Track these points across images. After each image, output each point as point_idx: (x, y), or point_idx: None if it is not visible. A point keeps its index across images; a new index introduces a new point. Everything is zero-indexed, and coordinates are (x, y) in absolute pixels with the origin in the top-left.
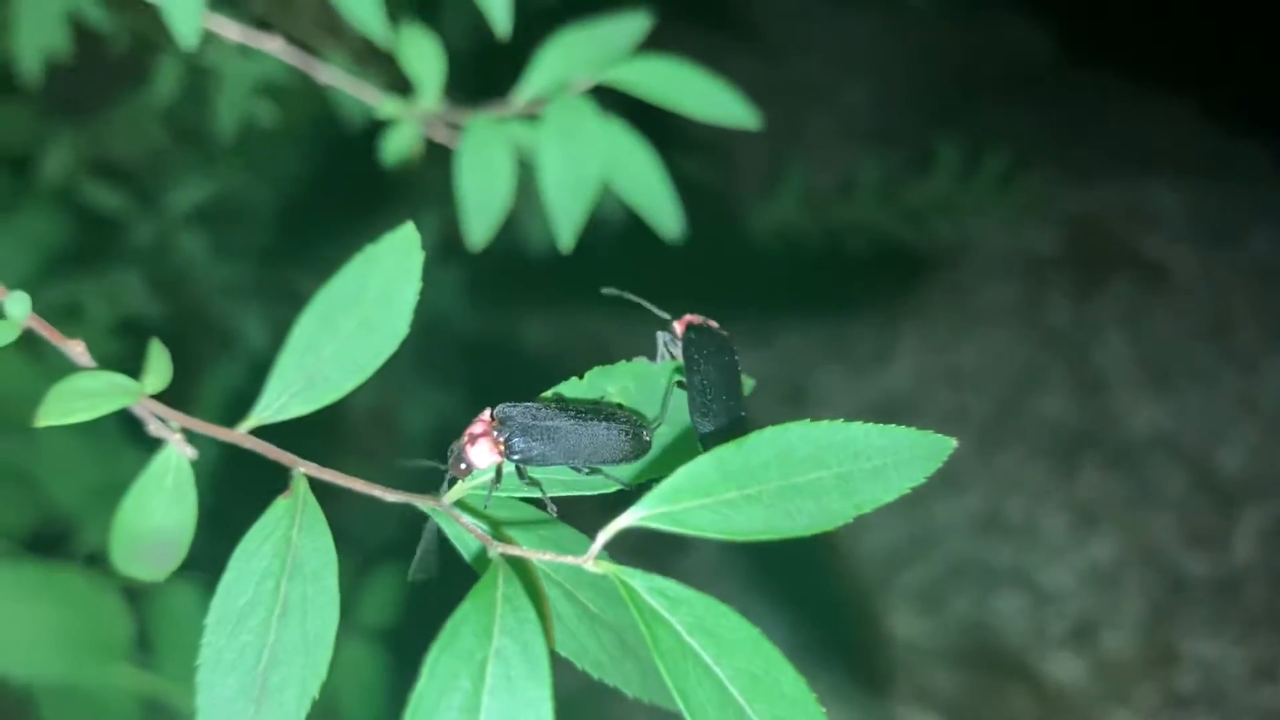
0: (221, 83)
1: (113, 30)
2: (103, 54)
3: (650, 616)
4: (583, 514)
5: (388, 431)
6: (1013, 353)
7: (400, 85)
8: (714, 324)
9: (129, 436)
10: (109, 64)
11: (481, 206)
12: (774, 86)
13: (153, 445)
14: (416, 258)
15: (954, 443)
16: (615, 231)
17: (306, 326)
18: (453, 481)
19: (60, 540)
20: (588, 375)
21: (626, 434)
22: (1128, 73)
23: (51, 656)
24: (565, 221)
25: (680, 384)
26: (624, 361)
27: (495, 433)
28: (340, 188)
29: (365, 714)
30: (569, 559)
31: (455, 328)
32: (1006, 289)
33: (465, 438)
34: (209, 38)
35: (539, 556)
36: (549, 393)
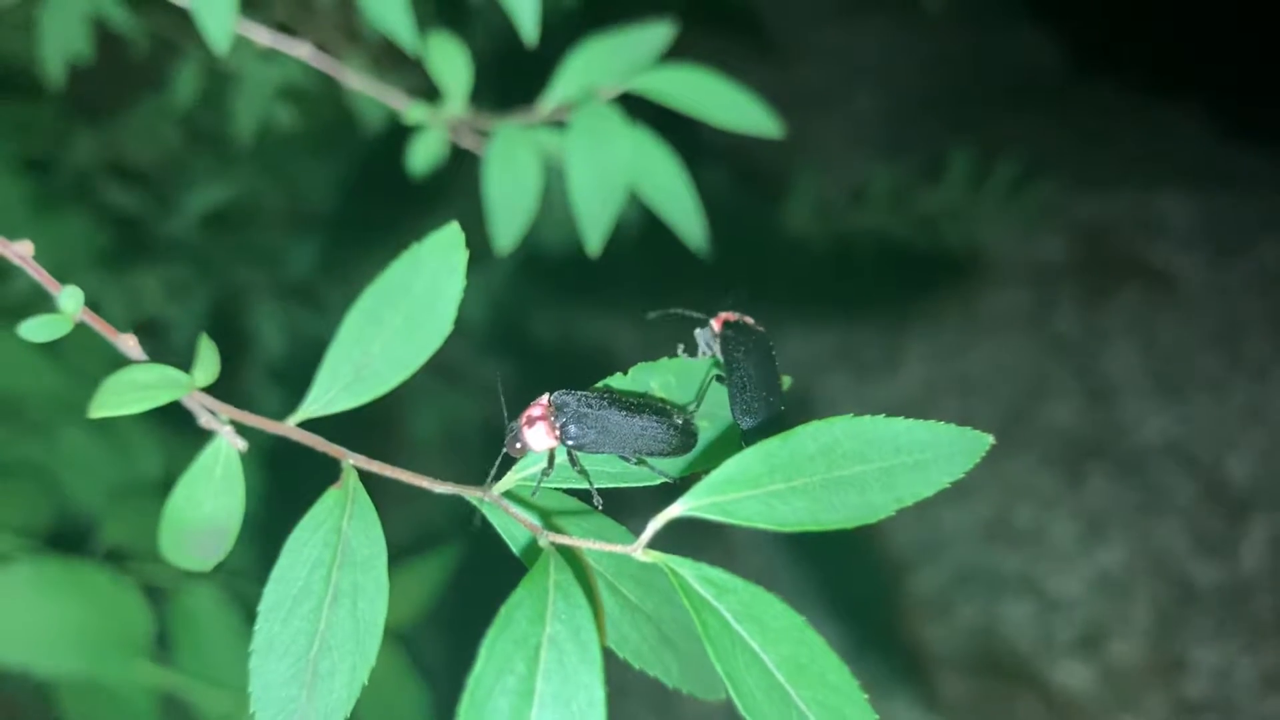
0: (241, 87)
1: (134, 34)
2: (123, 57)
3: (700, 604)
4: (620, 508)
5: (407, 428)
6: (1022, 360)
7: (420, 89)
8: (750, 320)
9: (148, 436)
10: (129, 67)
11: (508, 211)
12: (786, 94)
13: (170, 445)
14: (461, 256)
15: (991, 439)
16: (630, 235)
17: (354, 322)
18: (501, 471)
19: (80, 538)
20: (632, 370)
21: (675, 427)
22: (1138, 83)
23: (73, 652)
24: (593, 227)
25: (720, 379)
26: (666, 358)
27: (552, 418)
28: (358, 191)
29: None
30: (619, 548)
31: (477, 326)
32: (1016, 297)
33: (523, 419)
34: (235, 42)
35: (588, 545)
36: (599, 384)
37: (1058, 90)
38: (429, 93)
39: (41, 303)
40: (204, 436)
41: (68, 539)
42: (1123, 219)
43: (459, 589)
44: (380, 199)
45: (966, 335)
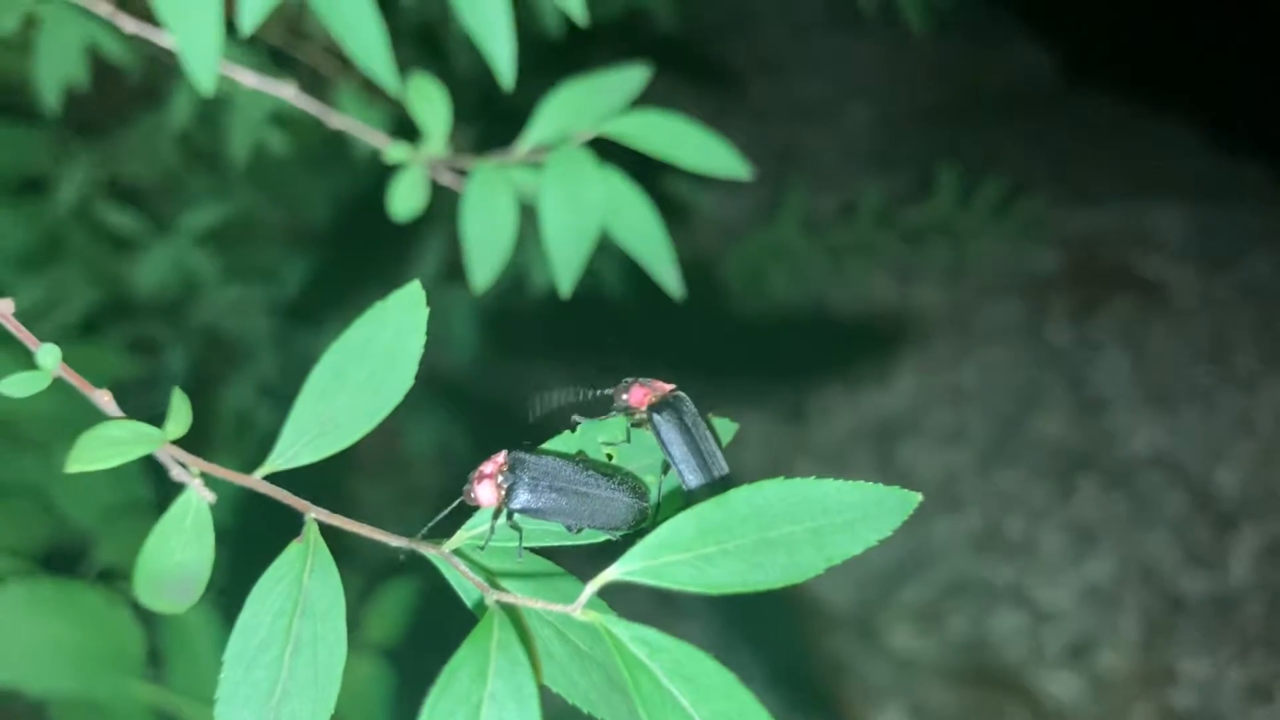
0: (235, 111)
1: (128, 58)
2: (118, 79)
3: (632, 663)
4: (568, 558)
5: (393, 453)
6: (1013, 372)
7: (408, 114)
8: (668, 388)
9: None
10: (124, 89)
11: (485, 249)
12: (774, 108)
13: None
14: (421, 314)
15: (919, 497)
16: (617, 255)
17: (320, 377)
18: (442, 525)
19: (75, 558)
20: (580, 428)
21: (631, 506)
22: (1128, 96)
23: (66, 671)
24: (565, 268)
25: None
26: (615, 415)
27: (500, 478)
28: (348, 213)
29: None
30: (559, 608)
31: (457, 352)
32: (1007, 309)
33: (475, 474)
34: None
35: (532, 604)
36: (548, 445)
37: (1049, 104)
38: (414, 123)
39: (36, 320)
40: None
41: (62, 559)
42: (1113, 231)
43: (438, 605)
44: (373, 218)
45: (958, 347)
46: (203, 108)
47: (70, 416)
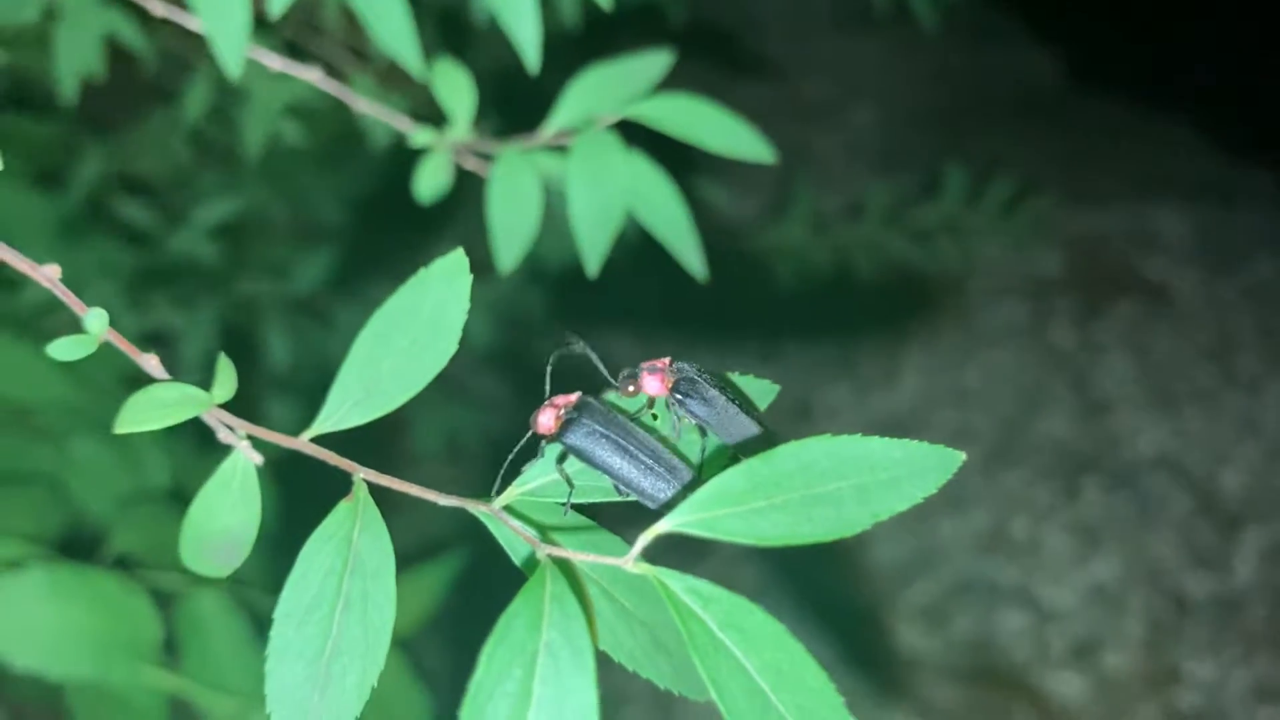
0: (249, 104)
1: (147, 49)
2: (132, 72)
3: (685, 613)
4: (613, 518)
5: (408, 436)
6: (1017, 373)
7: (424, 108)
8: (665, 363)
9: (156, 446)
10: (135, 85)
11: (510, 232)
12: (782, 108)
13: (177, 454)
14: (465, 281)
15: (963, 456)
16: (629, 251)
17: (365, 343)
18: (504, 484)
19: (90, 545)
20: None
21: (675, 483)
22: (1133, 98)
23: (84, 656)
24: (592, 250)
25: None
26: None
27: (564, 411)
28: (364, 206)
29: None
30: (610, 560)
31: (476, 340)
32: (1012, 310)
33: (546, 402)
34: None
35: (582, 558)
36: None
37: (1054, 106)
38: (434, 112)
39: (52, 314)
40: (211, 445)
41: (78, 546)
42: (1118, 233)
43: (458, 596)
44: (386, 214)
45: (963, 348)
46: (217, 101)
47: (84, 407)
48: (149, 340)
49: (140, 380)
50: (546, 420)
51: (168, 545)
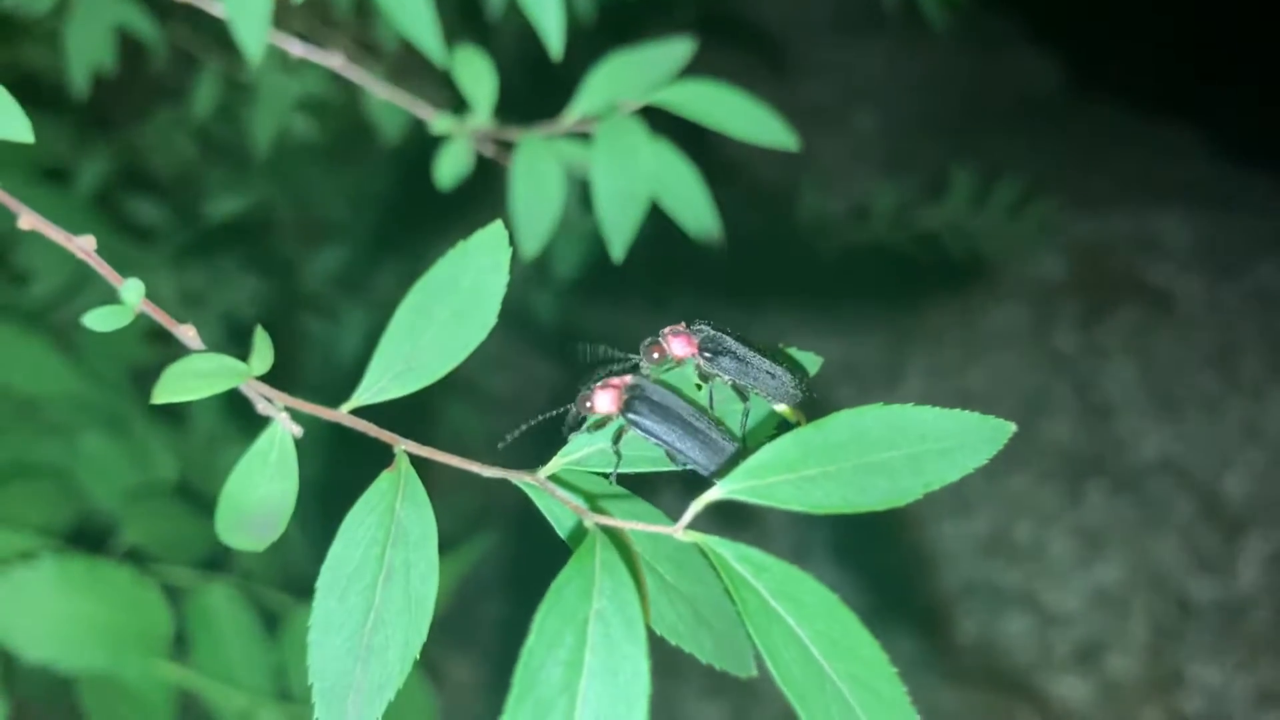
0: (259, 99)
1: (156, 45)
2: (139, 69)
3: (738, 582)
4: (643, 488)
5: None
6: (1021, 377)
7: (436, 101)
8: (702, 328)
9: (163, 440)
10: (145, 79)
11: (533, 219)
12: (787, 111)
13: (183, 449)
14: (505, 253)
15: (1013, 427)
16: (637, 245)
17: (405, 315)
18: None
19: (100, 538)
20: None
21: (726, 450)
22: (1137, 103)
23: (96, 649)
24: (617, 234)
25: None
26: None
27: (624, 390)
28: (374, 201)
29: None
30: (660, 528)
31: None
32: (1016, 314)
33: (596, 384)
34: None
35: (631, 526)
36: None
37: (1058, 110)
38: (446, 104)
39: (61, 306)
40: (219, 441)
41: (87, 539)
42: (1122, 238)
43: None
44: (397, 208)
45: (967, 351)
46: (224, 98)
47: (93, 401)
48: (155, 336)
49: (149, 374)
50: (606, 401)
51: (177, 539)
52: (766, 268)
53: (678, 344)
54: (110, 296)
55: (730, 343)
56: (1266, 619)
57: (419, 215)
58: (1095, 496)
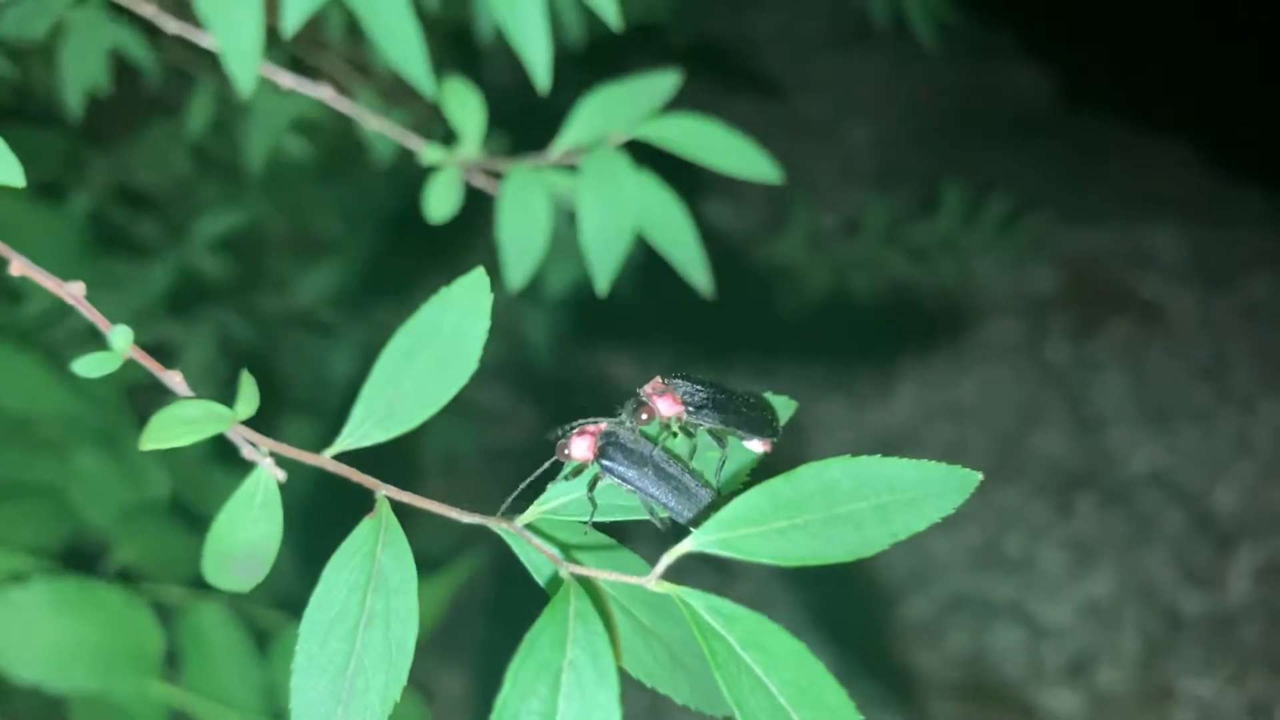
0: (252, 119)
1: (152, 63)
2: (133, 86)
3: (708, 632)
4: (621, 533)
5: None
6: (1012, 390)
7: (427, 122)
8: (677, 383)
9: (155, 459)
10: (135, 100)
11: (520, 250)
12: (779, 126)
13: (175, 467)
14: (486, 299)
15: (980, 476)
16: (625, 270)
17: (387, 360)
18: (520, 502)
19: (92, 558)
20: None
21: (702, 500)
22: (1128, 117)
23: (87, 669)
24: (602, 268)
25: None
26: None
27: (599, 437)
28: (366, 221)
29: None
30: (634, 579)
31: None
32: (1007, 327)
33: (572, 431)
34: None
35: (605, 576)
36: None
37: (1049, 124)
38: (437, 127)
39: (54, 324)
40: (211, 459)
41: (80, 558)
42: (1113, 252)
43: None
44: (388, 229)
45: (958, 364)
46: (218, 115)
47: (85, 420)
48: (151, 352)
49: (140, 391)
50: (582, 448)
51: (169, 558)
52: (758, 282)
53: (664, 404)
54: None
55: (710, 394)
56: (1257, 632)
57: (411, 234)
58: (1086, 509)
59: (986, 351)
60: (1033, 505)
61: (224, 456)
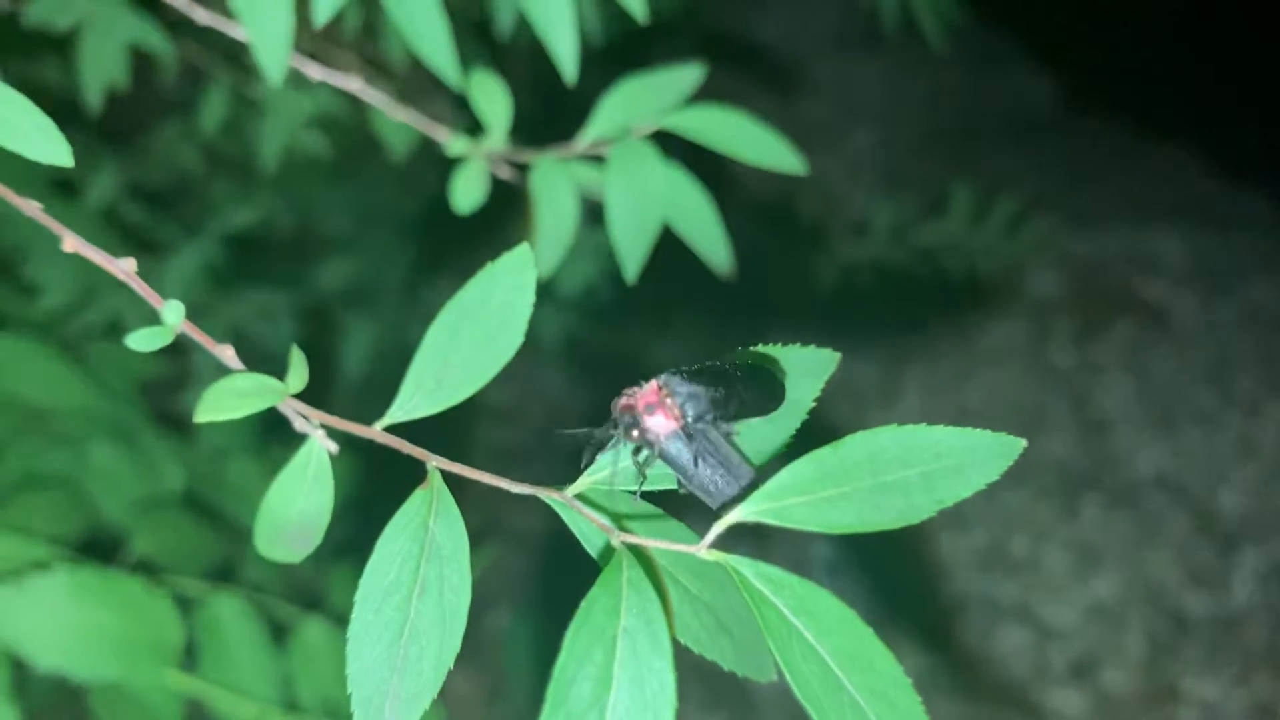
0: (271, 114)
1: (169, 60)
2: (146, 84)
3: (759, 599)
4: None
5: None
6: (1018, 393)
7: (444, 121)
8: (672, 381)
9: (170, 451)
10: (150, 94)
11: (549, 239)
12: (787, 129)
13: (190, 460)
14: (531, 274)
15: (1024, 443)
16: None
17: (436, 335)
18: (579, 473)
19: (109, 549)
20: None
21: (750, 478)
22: (1132, 121)
23: (108, 658)
24: (630, 257)
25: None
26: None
27: (671, 403)
28: (379, 215)
29: None
30: (684, 548)
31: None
32: (1012, 330)
33: (633, 404)
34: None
35: (656, 545)
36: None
37: (1055, 128)
38: (454, 125)
39: (70, 318)
40: (221, 452)
41: (96, 550)
42: (1117, 256)
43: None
44: (402, 224)
45: (964, 367)
46: (233, 112)
47: (100, 411)
48: (165, 348)
49: (155, 388)
50: (662, 422)
51: (186, 551)
52: (764, 284)
53: (656, 421)
54: (117, 311)
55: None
56: (1262, 634)
57: (424, 231)
58: (1091, 511)
59: (992, 354)
60: (1038, 507)
61: (228, 456)
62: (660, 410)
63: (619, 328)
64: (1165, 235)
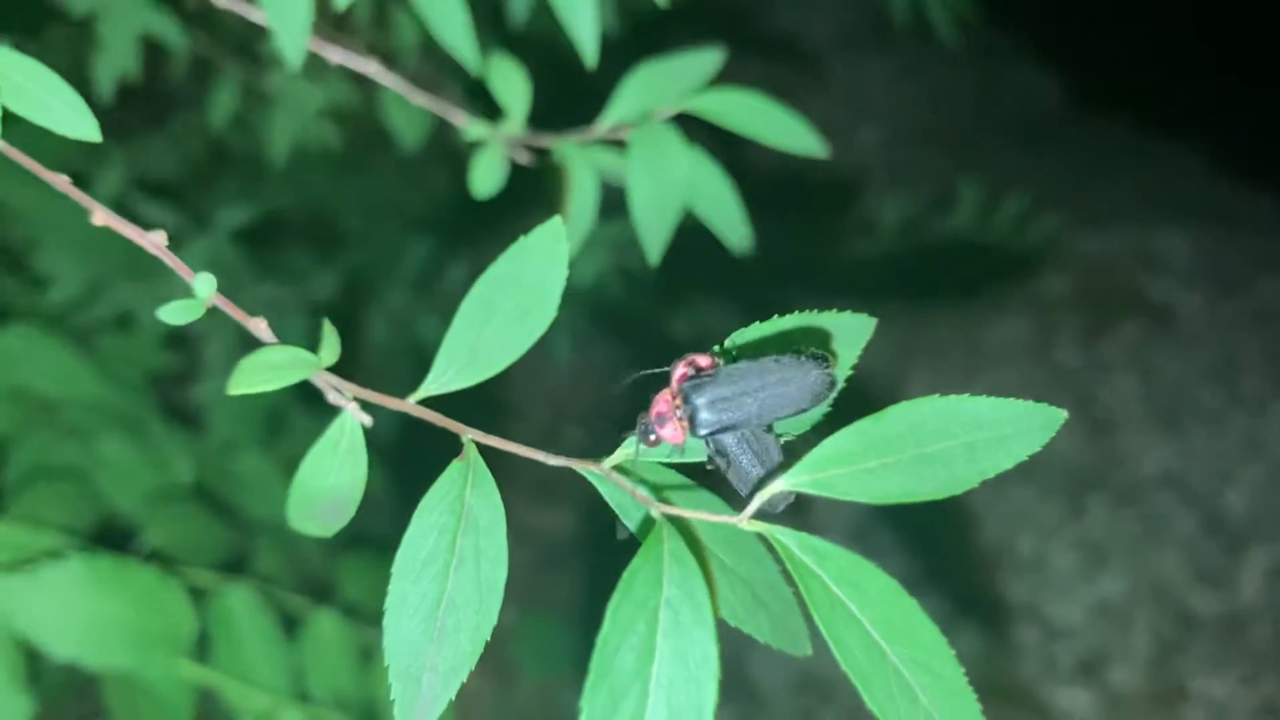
0: (282, 105)
1: (181, 51)
2: (153, 77)
3: (802, 570)
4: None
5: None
6: (1023, 391)
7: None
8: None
9: (179, 443)
10: (158, 87)
11: (570, 223)
12: None
13: (199, 452)
14: (563, 248)
15: (1065, 414)
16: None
17: (469, 308)
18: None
19: (120, 541)
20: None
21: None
22: (1138, 120)
23: (121, 647)
24: (653, 239)
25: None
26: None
27: (678, 412)
28: (389, 205)
29: None
30: (724, 518)
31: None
32: (1018, 328)
33: (651, 416)
34: (272, 61)
35: (696, 516)
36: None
37: (1058, 128)
38: (470, 112)
39: (79, 310)
40: (230, 445)
41: (109, 541)
42: (1124, 254)
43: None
44: (413, 219)
45: (970, 365)
46: (242, 105)
47: (110, 403)
48: (175, 340)
49: (164, 380)
50: (673, 432)
51: (197, 542)
52: (770, 282)
53: (669, 429)
54: (127, 303)
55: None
56: (1269, 633)
57: (434, 224)
58: (1097, 510)
59: (997, 352)
60: (1045, 506)
61: (237, 449)
62: (671, 422)
63: (627, 323)
64: (1172, 234)
